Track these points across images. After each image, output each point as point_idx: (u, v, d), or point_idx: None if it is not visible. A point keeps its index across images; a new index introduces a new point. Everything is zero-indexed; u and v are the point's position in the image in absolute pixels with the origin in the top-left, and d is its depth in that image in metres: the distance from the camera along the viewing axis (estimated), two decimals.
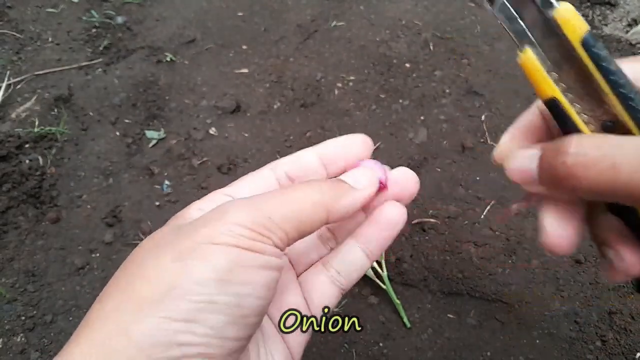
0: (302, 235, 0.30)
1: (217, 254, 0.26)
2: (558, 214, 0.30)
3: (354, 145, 0.37)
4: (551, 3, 0.28)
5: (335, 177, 0.36)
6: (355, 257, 0.36)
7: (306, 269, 0.38)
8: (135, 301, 0.25)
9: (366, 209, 0.36)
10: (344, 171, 0.36)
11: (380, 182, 0.35)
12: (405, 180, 0.36)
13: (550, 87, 0.30)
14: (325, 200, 0.31)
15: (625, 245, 0.28)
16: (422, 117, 0.96)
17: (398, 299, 0.73)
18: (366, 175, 0.35)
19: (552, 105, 0.30)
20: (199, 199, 0.37)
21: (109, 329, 0.25)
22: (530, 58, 0.30)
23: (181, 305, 0.25)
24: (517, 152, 0.30)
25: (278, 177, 0.37)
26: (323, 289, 0.36)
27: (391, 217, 0.35)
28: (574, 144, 0.25)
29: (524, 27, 0.30)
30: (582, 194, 0.26)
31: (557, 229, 0.29)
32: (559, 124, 0.30)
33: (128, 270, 0.28)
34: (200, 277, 0.25)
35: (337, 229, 0.39)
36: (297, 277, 0.38)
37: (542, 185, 0.28)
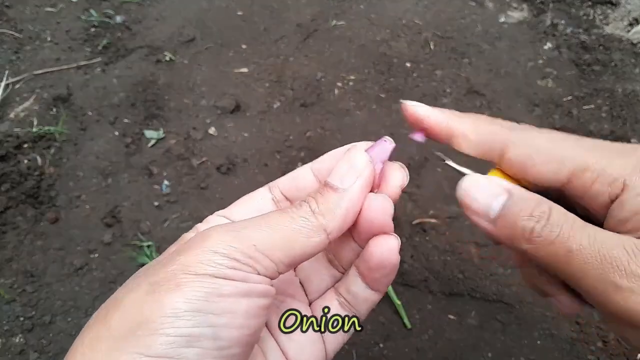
0: (299, 261, 0.28)
1: (192, 283, 0.24)
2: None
3: None
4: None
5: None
6: (359, 289, 0.34)
7: (321, 295, 0.36)
8: (109, 337, 0.24)
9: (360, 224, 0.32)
10: None
11: (379, 159, 0.31)
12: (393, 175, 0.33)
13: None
14: (322, 223, 0.28)
15: (561, 293, 0.31)
16: None
17: (399, 299, 0.73)
18: (352, 164, 0.31)
19: None
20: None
21: None
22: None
23: (155, 340, 0.23)
24: (480, 180, 0.30)
25: (275, 197, 0.35)
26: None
27: (378, 258, 0.32)
28: (546, 216, 0.27)
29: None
30: (531, 260, 0.28)
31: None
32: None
33: (109, 302, 0.26)
34: (174, 309, 0.24)
35: (340, 258, 0.36)
36: (310, 304, 0.36)
37: (494, 229, 0.29)
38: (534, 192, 0.29)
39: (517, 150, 0.29)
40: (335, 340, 0.35)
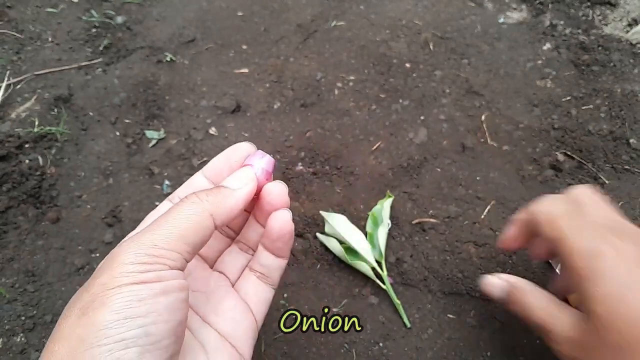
0: (199, 245, 0.33)
1: (114, 297, 0.28)
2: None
3: (234, 156, 0.41)
4: None
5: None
6: (268, 261, 0.42)
7: (239, 276, 0.44)
8: None
9: (258, 203, 0.41)
10: None
11: (264, 174, 0.39)
12: (277, 192, 0.40)
13: None
14: (208, 208, 0.33)
15: None
16: (422, 117, 0.96)
17: (398, 299, 0.73)
18: (243, 175, 0.38)
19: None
20: None
21: None
22: None
23: (93, 352, 0.26)
24: (491, 278, 0.57)
25: None
26: (256, 288, 0.42)
27: (277, 230, 0.39)
28: (514, 291, 0.54)
29: None
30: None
31: None
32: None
33: (52, 334, 0.29)
34: (103, 322, 0.27)
35: (248, 241, 0.45)
36: (233, 285, 0.43)
37: (504, 302, 0.56)
38: None
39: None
40: (261, 307, 0.42)
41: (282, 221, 0.39)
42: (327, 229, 0.78)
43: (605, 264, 0.37)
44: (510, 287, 0.52)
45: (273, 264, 0.42)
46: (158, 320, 0.28)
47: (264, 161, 0.40)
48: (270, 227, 0.40)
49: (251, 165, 0.40)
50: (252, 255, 0.44)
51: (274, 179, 0.42)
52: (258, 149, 0.42)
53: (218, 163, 0.42)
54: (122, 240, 0.35)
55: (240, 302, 0.41)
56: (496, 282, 0.55)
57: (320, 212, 0.80)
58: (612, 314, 0.36)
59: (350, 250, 0.74)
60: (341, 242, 0.75)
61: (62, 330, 0.28)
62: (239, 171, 0.39)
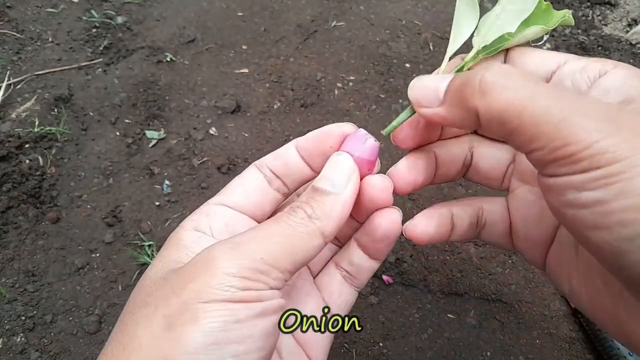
0: (301, 266, 0.28)
1: (208, 313, 0.24)
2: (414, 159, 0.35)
3: (330, 139, 0.34)
4: None
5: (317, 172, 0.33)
6: (361, 260, 0.36)
7: (321, 269, 0.38)
8: None
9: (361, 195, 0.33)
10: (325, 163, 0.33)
11: (364, 163, 0.32)
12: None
13: None
14: (319, 226, 0.29)
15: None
16: None
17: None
18: (343, 171, 0.31)
19: None
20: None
21: None
22: None
23: None
24: (427, 75, 0.31)
25: (265, 175, 0.35)
26: (341, 290, 0.36)
27: (384, 230, 0.33)
28: (497, 66, 0.25)
29: None
30: (485, 116, 0.25)
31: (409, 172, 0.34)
32: None
33: (124, 334, 0.25)
34: (192, 345, 0.23)
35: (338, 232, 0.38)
36: (314, 277, 0.37)
37: (445, 105, 0.28)
38: None
39: None
40: (342, 312, 0.36)
41: (390, 222, 0.33)
42: None
43: None
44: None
45: (365, 264, 0.36)
46: (252, 348, 0.24)
47: (366, 148, 0.32)
48: (376, 226, 0.33)
49: (350, 153, 0.32)
50: (339, 247, 0.38)
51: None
52: (359, 128, 0.33)
53: (313, 142, 0.34)
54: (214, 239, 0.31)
55: (322, 305, 0.36)
56: (437, 75, 0.32)
57: None
58: None
59: None
60: None
61: (140, 339, 0.24)
62: (337, 163, 0.31)
